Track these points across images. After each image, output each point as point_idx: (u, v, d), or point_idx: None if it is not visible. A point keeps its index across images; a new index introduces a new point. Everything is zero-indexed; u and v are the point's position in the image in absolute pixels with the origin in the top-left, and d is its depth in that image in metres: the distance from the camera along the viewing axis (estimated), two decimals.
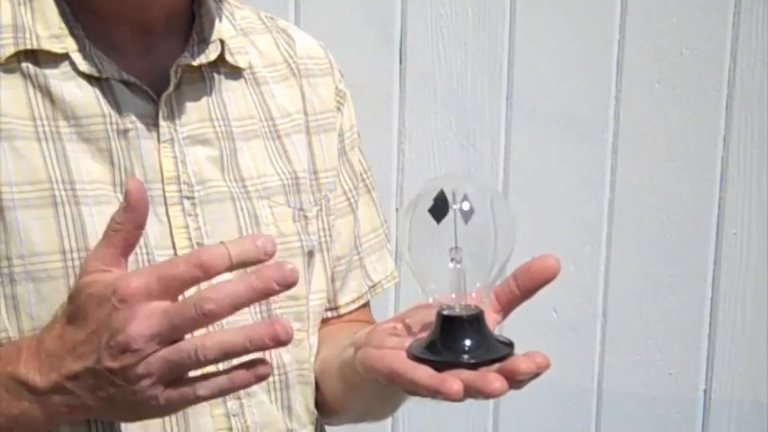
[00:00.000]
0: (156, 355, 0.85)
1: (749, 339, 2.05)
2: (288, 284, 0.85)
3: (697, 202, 2.02)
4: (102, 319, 0.86)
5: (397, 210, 2.01)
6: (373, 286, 1.25)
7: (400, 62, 1.99)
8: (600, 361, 2.08)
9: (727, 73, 1.98)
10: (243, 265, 0.86)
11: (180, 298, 0.87)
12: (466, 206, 0.90)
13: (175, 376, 0.86)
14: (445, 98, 2.00)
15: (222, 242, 0.86)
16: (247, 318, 1.05)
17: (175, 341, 0.85)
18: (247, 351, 0.85)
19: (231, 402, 1.05)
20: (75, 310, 0.89)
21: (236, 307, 0.85)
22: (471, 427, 2.10)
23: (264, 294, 0.85)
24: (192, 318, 0.84)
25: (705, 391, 2.08)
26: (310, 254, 1.13)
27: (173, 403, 0.88)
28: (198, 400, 0.88)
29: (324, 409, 1.17)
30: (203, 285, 0.87)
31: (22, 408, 0.92)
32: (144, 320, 0.84)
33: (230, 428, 1.05)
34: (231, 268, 0.85)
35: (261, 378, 0.87)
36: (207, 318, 0.84)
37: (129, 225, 0.88)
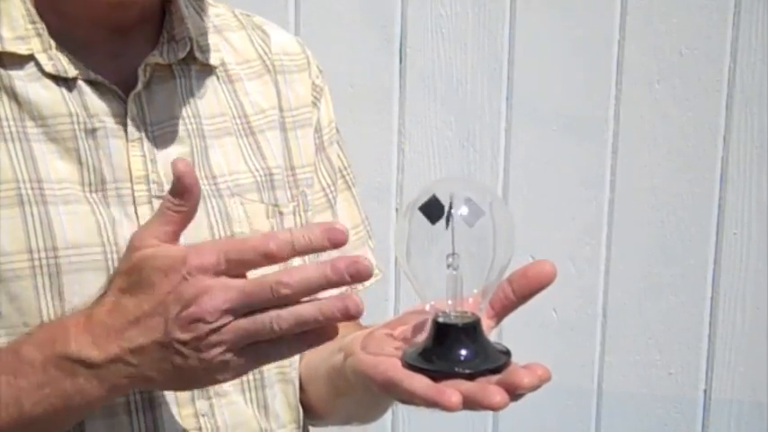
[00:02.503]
0: (230, 327, 0.86)
1: (749, 339, 2.05)
2: (361, 279, 0.86)
3: (697, 202, 2.01)
4: (170, 290, 0.86)
5: (397, 210, 2.01)
6: None
7: (400, 62, 1.99)
8: (600, 361, 2.08)
9: (727, 73, 1.97)
10: (306, 253, 0.88)
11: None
12: (465, 210, 0.89)
13: (248, 344, 0.87)
14: (445, 98, 2.00)
15: (289, 229, 0.89)
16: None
17: (245, 315, 0.86)
18: (318, 323, 0.87)
19: (200, 402, 1.04)
20: (137, 281, 0.88)
21: (308, 293, 0.86)
22: (471, 427, 2.10)
23: (337, 284, 0.86)
24: (268, 299, 0.85)
25: (705, 391, 2.08)
26: None
27: (243, 367, 0.89)
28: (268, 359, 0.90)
29: (309, 411, 1.16)
30: None
31: (77, 385, 0.90)
32: (220, 294, 0.85)
33: (199, 429, 1.04)
34: (294, 255, 0.88)
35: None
36: (281, 300, 0.86)
37: (186, 205, 0.90)
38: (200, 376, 0.89)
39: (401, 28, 1.98)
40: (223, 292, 0.85)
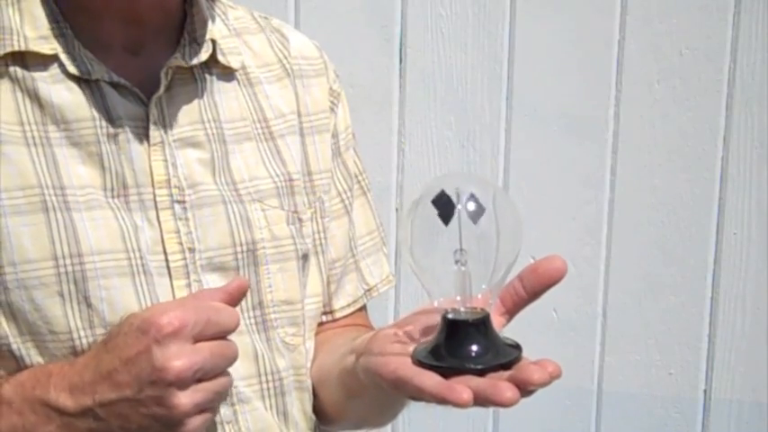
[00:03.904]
0: (201, 388, 0.90)
1: (749, 339, 2.05)
2: None
3: (697, 202, 2.01)
4: (140, 350, 0.89)
5: (397, 210, 2.01)
6: (369, 290, 1.23)
7: (400, 62, 1.99)
8: (600, 361, 2.08)
9: (727, 73, 1.97)
10: None
11: None
12: (471, 206, 0.88)
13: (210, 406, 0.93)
14: (445, 98, 2.00)
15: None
16: (240, 322, 1.04)
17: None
18: None
19: (224, 409, 1.04)
20: (116, 338, 0.91)
21: None
22: (471, 427, 2.10)
23: None
24: (233, 358, 0.93)
25: (705, 391, 2.08)
26: (305, 257, 1.11)
27: (201, 427, 0.92)
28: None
29: (321, 416, 1.16)
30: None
31: (47, 431, 0.92)
32: (191, 355, 0.89)
33: None
34: None
35: None
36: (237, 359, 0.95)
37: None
38: None
39: (401, 28, 1.98)
40: (192, 354, 0.89)
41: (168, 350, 0.88)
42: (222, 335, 0.93)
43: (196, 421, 0.91)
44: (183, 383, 0.89)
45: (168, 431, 0.90)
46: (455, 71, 1.99)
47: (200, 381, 0.90)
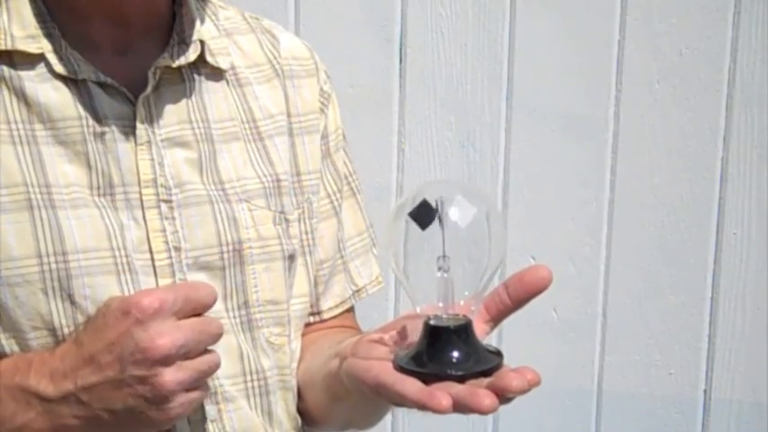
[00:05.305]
0: (186, 365, 0.91)
1: (749, 339, 2.05)
2: None
3: (697, 202, 2.01)
4: (122, 331, 0.89)
5: None
6: (357, 291, 1.23)
7: (400, 62, 1.99)
8: (600, 361, 2.07)
9: (727, 73, 1.97)
10: None
11: None
12: (455, 214, 0.89)
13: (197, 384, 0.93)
14: (445, 98, 2.00)
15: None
16: (226, 321, 1.05)
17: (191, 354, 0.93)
18: None
19: (209, 407, 1.05)
20: (95, 321, 0.92)
21: None
22: (471, 426, 2.10)
23: None
24: (217, 335, 0.94)
25: (705, 391, 2.07)
26: (291, 257, 1.12)
27: (192, 406, 0.93)
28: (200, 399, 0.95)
29: (306, 417, 1.17)
30: None
31: (28, 418, 0.92)
32: (172, 334, 0.89)
33: None
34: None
35: None
36: (222, 335, 0.95)
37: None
38: (151, 417, 0.92)
39: (401, 28, 1.98)
40: (175, 332, 0.90)
41: (151, 329, 0.89)
42: (201, 311, 0.94)
43: (182, 399, 0.91)
44: (167, 361, 0.89)
45: (154, 410, 0.91)
46: (455, 71, 1.99)
47: (185, 359, 0.91)
